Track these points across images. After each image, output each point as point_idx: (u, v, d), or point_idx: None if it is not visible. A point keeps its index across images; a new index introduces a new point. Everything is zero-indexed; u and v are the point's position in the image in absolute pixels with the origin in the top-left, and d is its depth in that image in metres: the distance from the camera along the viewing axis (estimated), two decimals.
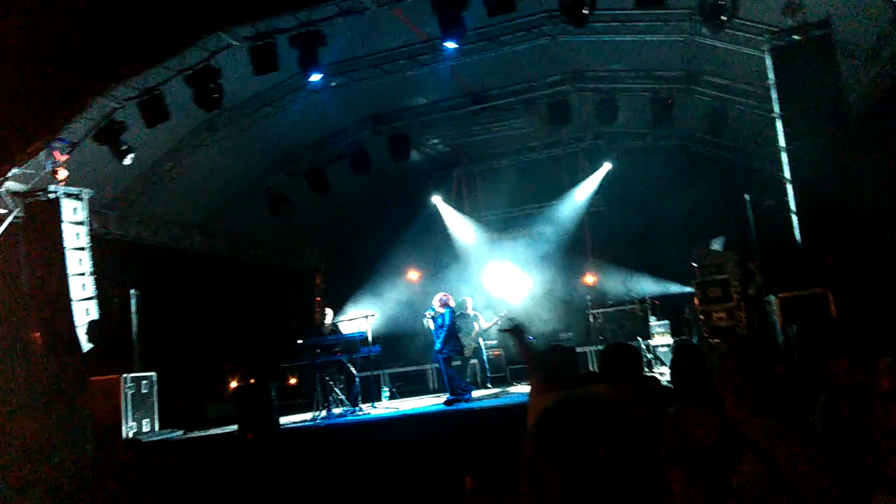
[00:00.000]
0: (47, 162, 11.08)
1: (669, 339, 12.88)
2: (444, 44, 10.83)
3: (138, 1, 9.55)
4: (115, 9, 9.55)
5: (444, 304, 11.26)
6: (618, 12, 10.99)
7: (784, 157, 8.83)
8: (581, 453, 1.62)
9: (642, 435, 1.71)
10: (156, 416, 11.09)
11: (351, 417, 10.70)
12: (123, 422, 10.39)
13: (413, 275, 17.89)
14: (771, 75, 8.96)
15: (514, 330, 5.14)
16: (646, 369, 12.98)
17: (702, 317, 11.75)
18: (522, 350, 4.99)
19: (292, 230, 17.48)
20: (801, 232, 8.64)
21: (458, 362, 13.23)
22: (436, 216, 18.03)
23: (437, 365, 12.19)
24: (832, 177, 8.39)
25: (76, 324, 10.81)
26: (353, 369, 11.38)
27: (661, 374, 12.26)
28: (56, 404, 10.21)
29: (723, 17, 9.25)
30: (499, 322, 13.61)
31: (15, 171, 11.05)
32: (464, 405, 10.70)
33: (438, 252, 17.49)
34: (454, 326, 11.28)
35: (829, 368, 3.95)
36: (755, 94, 12.07)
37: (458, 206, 18.21)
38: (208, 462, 9.33)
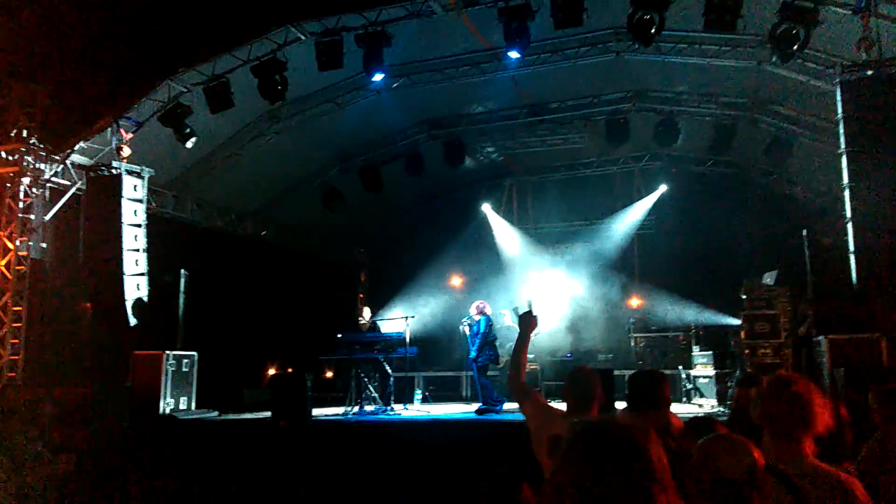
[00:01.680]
0: (113, 138, 11.43)
1: (711, 371, 12.58)
2: (508, 53, 10.84)
3: None
4: None
5: (481, 312, 11.25)
6: (686, 34, 10.85)
7: (847, 196, 8.57)
8: (602, 484, 1.64)
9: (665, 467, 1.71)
10: (193, 395, 11.31)
11: (382, 416, 10.74)
12: (162, 397, 10.61)
13: (456, 280, 17.89)
14: (840, 110, 8.71)
15: (526, 318, 4.21)
16: (684, 399, 12.73)
17: (747, 351, 11.46)
18: (521, 349, 4.27)
19: (341, 226, 17.67)
20: (857, 274, 8.36)
21: (496, 373, 13.18)
22: (484, 224, 18.01)
23: (471, 373, 12.16)
24: None
25: (126, 298, 11.10)
26: (388, 368, 11.42)
27: (699, 405, 12.00)
28: (99, 373, 10.50)
29: (794, 47, 9.04)
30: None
31: (82, 144, 11.44)
32: (494, 416, 10.64)
33: (483, 260, 17.44)
34: (490, 335, 11.24)
35: (873, 415, 3.84)
36: (821, 128, 11.78)
37: (508, 216, 18.16)
38: (240, 445, 9.47)
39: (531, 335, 4.22)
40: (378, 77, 11.48)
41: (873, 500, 2.58)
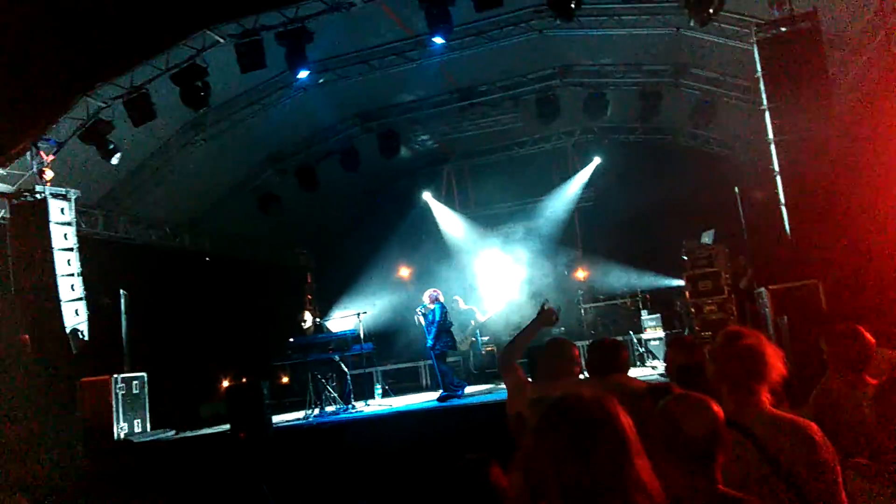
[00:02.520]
0: (34, 162, 10.98)
1: (661, 333, 12.91)
2: (432, 39, 10.81)
3: None
4: (100, 7, 9.47)
5: (435, 300, 11.26)
6: (605, 6, 11.00)
7: (773, 150, 8.84)
8: (578, 456, 1.66)
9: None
10: (147, 417, 11.02)
11: (344, 415, 10.69)
12: (115, 422, 10.32)
13: (404, 271, 17.87)
14: (759, 68, 8.96)
15: (546, 315, 4.50)
16: (637, 363, 13.03)
17: (693, 310, 11.78)
18: (526, 336, 4.63)
19: (282, 228, 17.41)
20: (790, 224, 8.65)
21: (457, 358, 13.23)
22: (426, 213, 18.01)
23: (430, 362, 12.18)
24: (821, 168, 8.41)
25: (65, 325, 10.72)
26: (344, 367, 11.35)
27: (653, 367, 12.30)
28: (46, 406, 10.14)
29: (710, 10, 9.24)
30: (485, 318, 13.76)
31: (0, 171, 10.95)
32: (457, 401, 10.70)
33: (430, 248, 17.46)
34: (446, 322, 11.27)
35: (823, 356, 3.97)
36: (743, 87, 12.11)
37: (449, 202, 18.20)
38: (201, 462, 9.29)
39: (540, 328, 4.47)
40: (303, 74, 11.31)
41: (829, 439, 2.68)
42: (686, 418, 2.27)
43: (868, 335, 3.81)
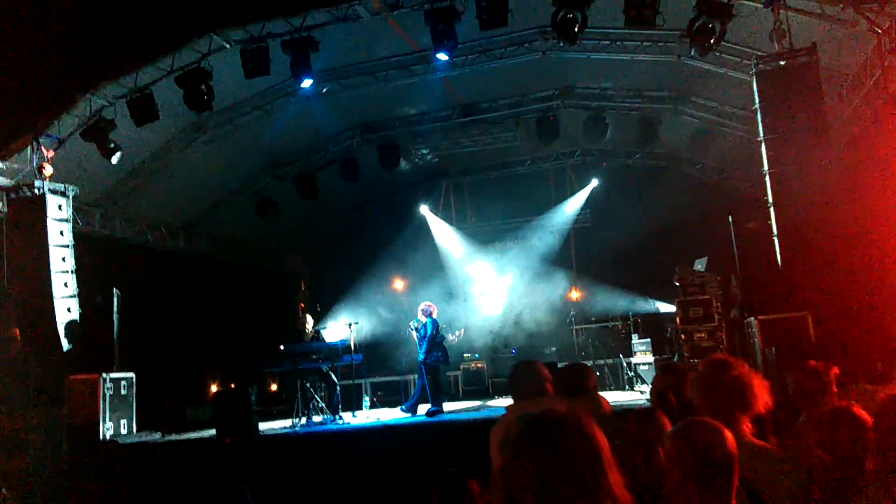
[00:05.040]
0: (34, 157, 11.00)
1: (650, 358, 12.96)
2: (436, 55, 10.88)
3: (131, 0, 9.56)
4: (108, 6, 9.54)
5: (428, 315, 11.28)
6: (609, 31, 11.11)
7: (767, 181, 8.93)
8: (556, 467, 1.73)
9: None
10: (134, 418, 10.99)
11: (331, 426, 10.67)
12: (101, 422, 10.27)
13: (398, 284, 17.89)
14: (757, 99, 9.07)
15: None
16: (626, 386, 13.07)
17: (683, 336, 11.85)
18: None
19: (278, 235, 17.44)
20: (781, 255, 8.72)
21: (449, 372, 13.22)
22: (423, 226, 18.07)
23: (418, 376, 12.19)
24: (814, 201, 8.49)
25: (57, 321, 10.70)
26: (334, 377, 11.35)
27: (641, 391, 12.33)
28: (34, 402, 10.12)
29: (711, 41, 9.36)
30: (457, 339, 13.79)
31: (0, 165, 10.98)
32: (445, 417, 10.70)
33: (424, 262, 17.49)
34: (437, 336, 11.29)
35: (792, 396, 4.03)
36: (741, 117, 12.24)
37: (446, 216, 18.27)
38: (185, 466, 9.27)
39: None
40: (306, 83, 11.33)
41: (804, 470, 2.73)
42: (709, 443, 2.34)
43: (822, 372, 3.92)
